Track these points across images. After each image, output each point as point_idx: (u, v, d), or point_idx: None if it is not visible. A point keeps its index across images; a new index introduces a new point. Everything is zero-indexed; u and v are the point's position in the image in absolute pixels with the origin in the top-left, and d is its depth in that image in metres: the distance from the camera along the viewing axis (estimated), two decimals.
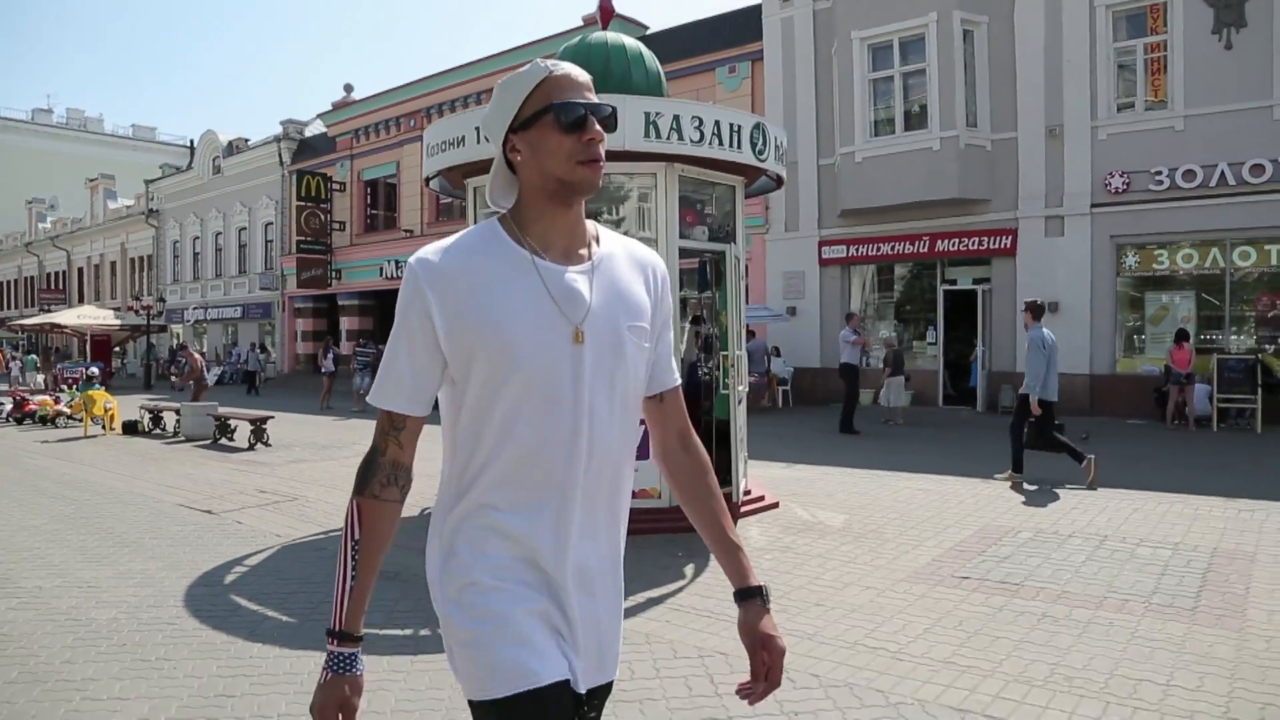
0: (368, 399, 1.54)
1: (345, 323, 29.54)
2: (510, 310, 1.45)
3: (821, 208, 18.61)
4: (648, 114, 6.55)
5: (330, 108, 30.70)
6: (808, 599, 5.11)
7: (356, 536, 1.47)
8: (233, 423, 13.54)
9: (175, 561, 6.36)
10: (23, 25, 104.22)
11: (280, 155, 32.41)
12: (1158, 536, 6.48)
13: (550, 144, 1.48)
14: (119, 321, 31.78)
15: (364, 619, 1.52)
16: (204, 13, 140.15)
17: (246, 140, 35.18)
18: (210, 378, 30.69)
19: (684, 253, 7.25)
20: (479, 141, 7.07)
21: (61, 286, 46.31)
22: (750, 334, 17.99)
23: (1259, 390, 13.31)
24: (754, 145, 7.05)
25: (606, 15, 8.27)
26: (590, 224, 1.60)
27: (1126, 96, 15.76)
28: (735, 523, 6.73)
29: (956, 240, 16.92)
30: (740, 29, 19.95)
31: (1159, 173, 15.03)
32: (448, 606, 1.49)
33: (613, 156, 6.31)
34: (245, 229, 34.63)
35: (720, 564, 1.63)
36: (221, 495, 9.08)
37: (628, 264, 1.60)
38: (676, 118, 6.63)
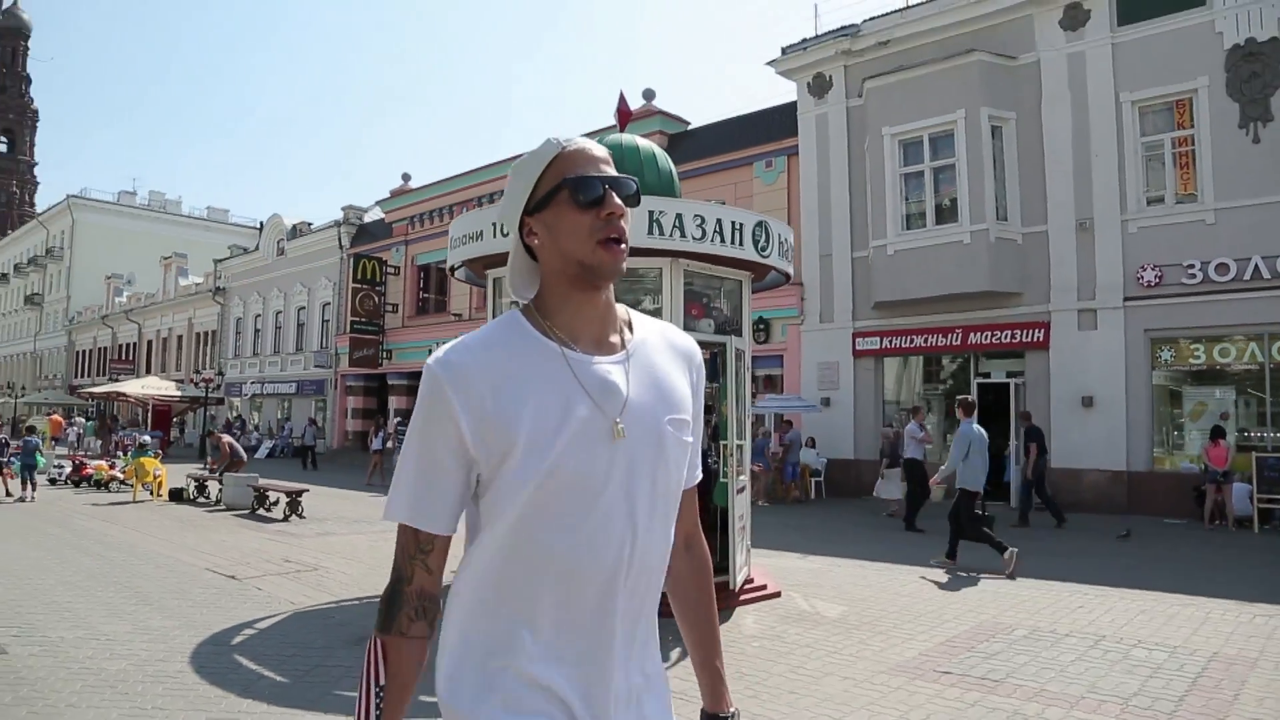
0: (386, 515, 1.37)
1: (394, 402, 30.25)
2: (542, 408, 1.32)
3: (855, 299, 18.83)
4: (651, 212, 6.91)
5: (388, 195, 32.02)
6: (782, 687, 5.20)
7: (381, 681, 1.31)
8: (271, 494, 14.00)
9: (191, 621, 6.69)
10: (110, 111, 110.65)
11: (340, 239, 33.75)
12: (1158, 639, 6.42)
13: (567, 223, 1.37)
14: (179, 393, 32.96)
15: None
16: (284, 102, 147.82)
17: (310, 224, 36.73)
18: (262, 451, 31.67)
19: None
20: (495, 235, 7.51)
21: (131, 358, 48.22)
22: (788, 424, 18.14)
23: None
24: (756, 242, 7.37)
25: (624, 118, 8.74)
26: (621, 308, 1.48)
27: (1156, 190, 15.87)
28: (733, 611, 6.88)
29: (989, 333, 16.96)
30: (776, 125, 20.57)
31: (1191, 266, 15.02)
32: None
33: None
34: (304, 308, 35.90)
35: (698, 678, 1.56)
36: (248, 562, 9.43)
37: (665, 351, 1.48)
38: (679, 216, 7.00)
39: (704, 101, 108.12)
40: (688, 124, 23.25)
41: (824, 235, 19.38)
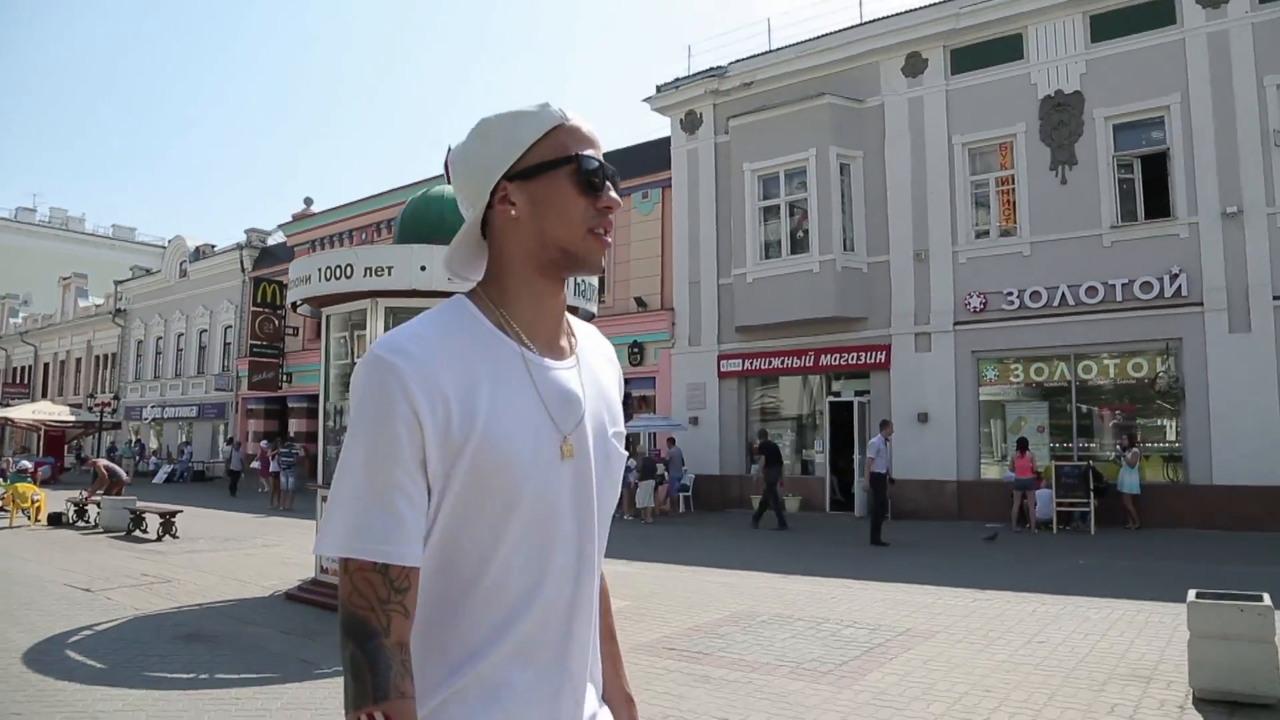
0: (328, 549, 1.10)
1: (294, 425, 30.61)
2: (508, 420, 1.15)
3: (721, 324, 20.11)
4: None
5: (290, 219, 32.46)
6: None
7: None
8: (147, 516, 14.56)
9: (34, 627, 7.42)
10: (10, 124, 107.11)
11: (242, 262, 34.01)
12: (872, 620, 7.60)
13: (561, 201, 1.21)
14: (73, 418, 32.73)
15: None
16: (191, 117, 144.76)
17: (213, 246, 36.84)
18: (160, 476, 31.66)
19: None
20: (321, 279, 8.46)
21: (26, 381, 47.25)
22: (670, 441, 19.29)
23: (1090, 495, 14.59)
24: None
25: (450, 169, 9.72)
26: None
27: (983, 224, 17.52)
28: None
29: (838, 355, 18.39)
30: (653, 158, 21.83)
31: (1010, 293, 16.64)
32: None
33: (424, 295, 7.69)
34: (206, 330, 35.96)
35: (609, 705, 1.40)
36: (107, 577, 10.11)
37: (600, 356, 1.35)
38: None
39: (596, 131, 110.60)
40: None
41: (693, 263, 20.65)
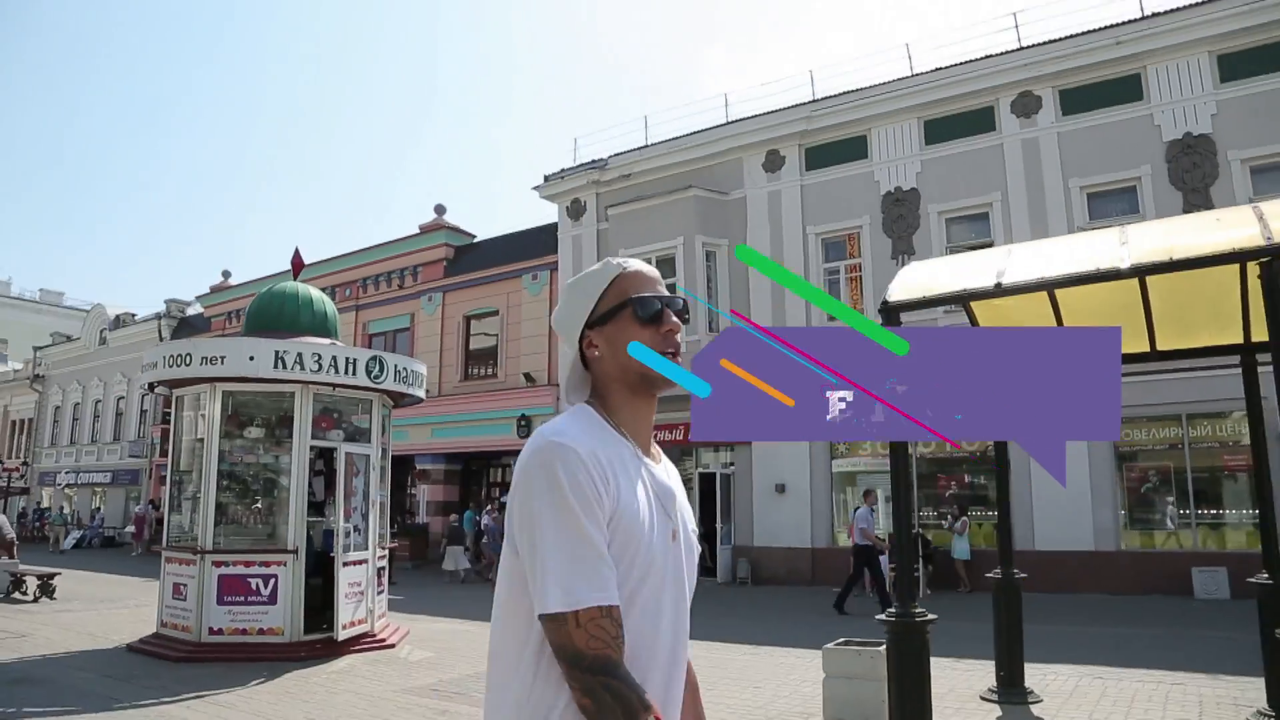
0: (555, 605, 1.29)
1: None
2: (639, 504, 1.40)
3: None
4: (277, 351, 9.14)
5: (208, 290, 33.31)
6: (316, 698, 7.29)
7: None
8: (25, 578, 15.20)
9: None
10: None
11: (160, 332, 34.65)
12: None
13: (629, 338, 1.46)
14: None
15: None
16: (120, 184, 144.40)
17: (134, 315, 37.45)
18: (68, 541, 31.78)
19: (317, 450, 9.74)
20: (168, 366, 9.58)
21: None
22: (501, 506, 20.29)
23: (921, 560, 15.94)
24: (369, 372, 9.66)
25: (297, 269, 10.99)
26: None
27: None
28: (338, 657, 8.87)
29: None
30: (542, 243, 23.31)
31: None
32: None
33: (252, 380, 8.83)
34: (124, 398, 36.34)
35: None
36: None
37: (672, 466, 1.61)
38: (300, 354, 9.23)
39: (493, 216, 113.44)
40: (473, 237, 25.80)
41: None
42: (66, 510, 37.04)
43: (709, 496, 19.68)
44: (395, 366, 10.06)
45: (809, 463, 18.55)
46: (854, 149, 19.29)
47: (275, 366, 9.11)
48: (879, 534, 16.74)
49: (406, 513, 25.95)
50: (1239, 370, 13.76)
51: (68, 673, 8.38)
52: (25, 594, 15.02)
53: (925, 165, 18.47)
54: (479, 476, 27.30)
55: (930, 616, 5.11)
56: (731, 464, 19.64)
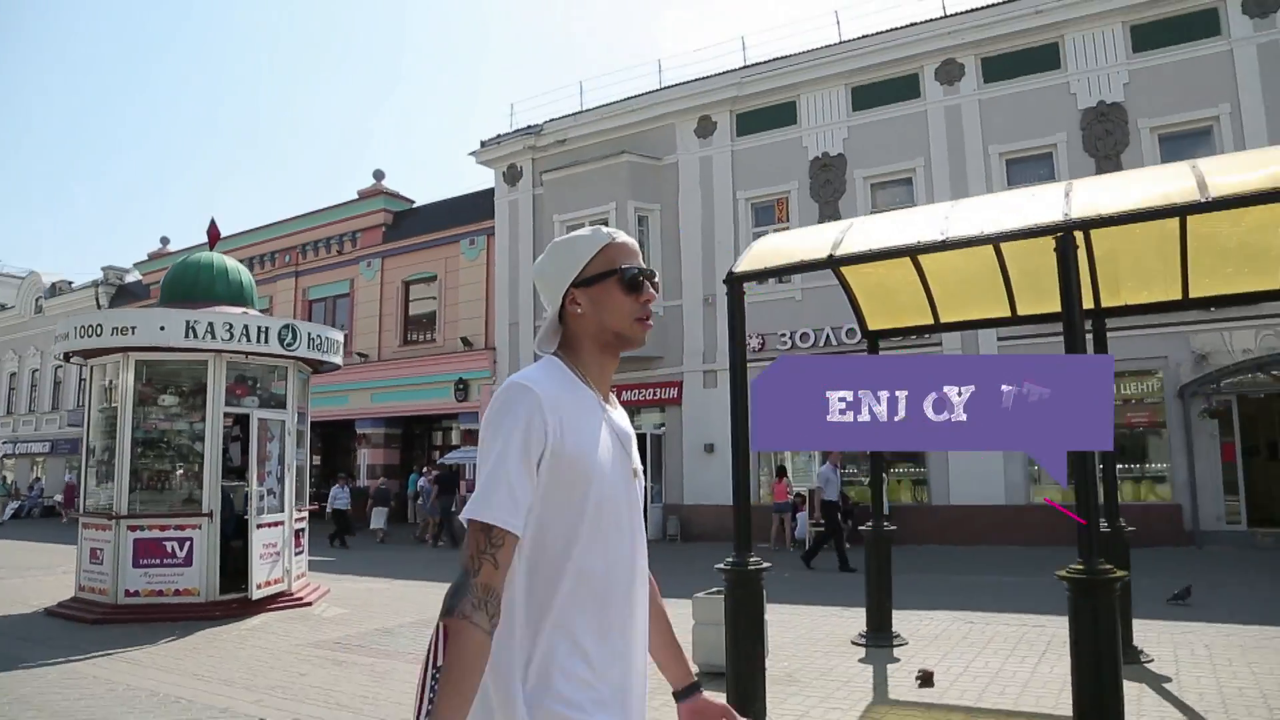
0: (465, 513, 1.49)
1: None
2: (599, 443, 1.58)
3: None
4: (188, 321, 9.28)
5: (146, 257, 32.86)
6: (227, 652, 7.57)
7: (439, 663, 1.40)
8: None
9: None
10: None
11: (98, 299, 34.17)
12: None
13: (613, 302, 1.65)
14: None
15: None
16: (60, 148, 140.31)
17: (70, 283, 36.83)
18: (7, 512, 31.50)
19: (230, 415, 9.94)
20: (77, 337, 9.68)
21: None
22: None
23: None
24: (282, 340, 9.83)
25: (213, 239, 11.07)
26: None
27: None
28: (252, 616, 9.14)
29: (638, 391, 20.11)
30: (479, 208, 23.39)
31: (784, 334, 18.61)
32: None
33: (164, 350, 8.96)
34: (61, 367, 35.82)
35: (667, 668, 1.84)
36: None
37: (625, 414, 1.77)
38: (211, 324, 9.38)
39: (431, 181, 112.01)
40: (412, 202, 25.77)
41: (513, 306, 22.19)
42: (8, 480, 36.60)
43: (640, 456, 20.06)
44: (309, 334, 10.24)
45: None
46: (784, 115, 19.57)
47: (187, 336, 9.26)
48: (793, 494, 17.26)
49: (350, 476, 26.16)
50: (1150, 331, 14.33)
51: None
52: None
53: (852, 131, 18.82)
54: (421, 440, 27.52)
55: (765, 565, 5.51)
56: (663, 425, 20.06)
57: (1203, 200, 4.35)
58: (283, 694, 6.19)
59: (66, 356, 10.65)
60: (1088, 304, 7.24)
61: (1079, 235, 5.54)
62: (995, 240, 4.86)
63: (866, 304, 7.72)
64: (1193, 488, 15.20)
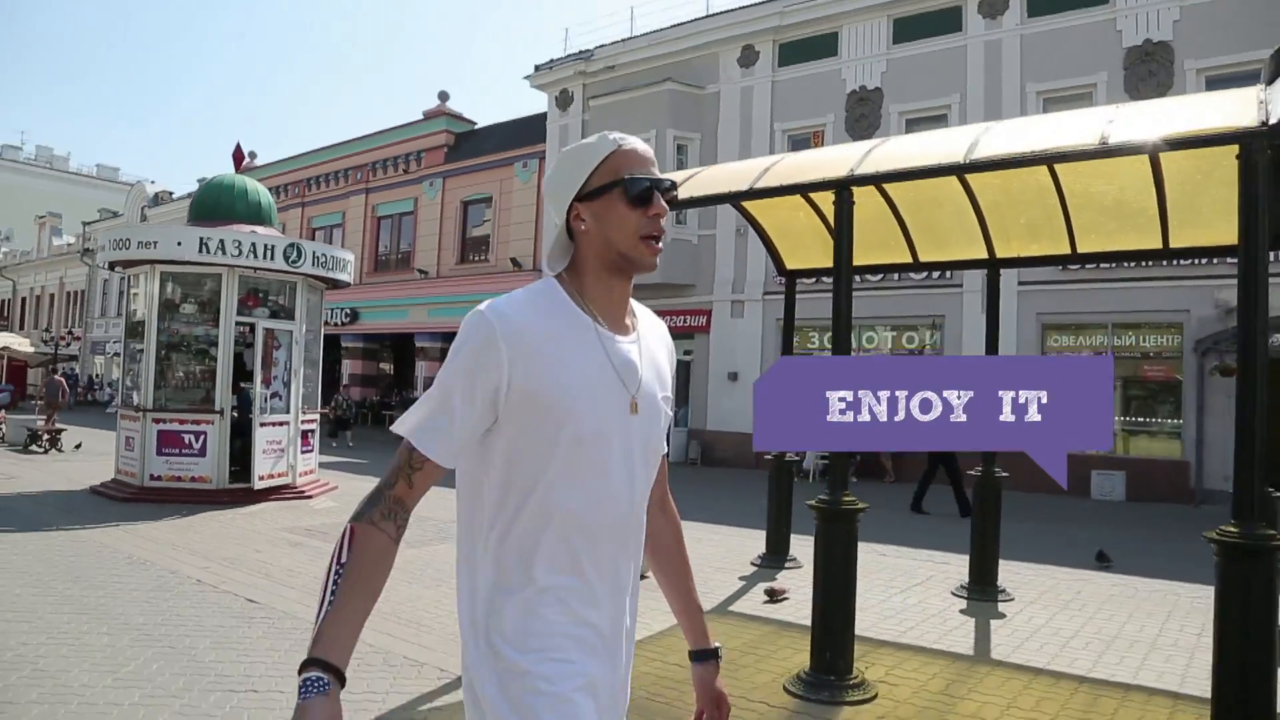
0: (394, 425, 1.48)
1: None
2: (579, 375, 1.45)
3: None
4: (201, 238, 10.38)
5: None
6: (221, 534, 8.80)
7: (342, 560, 1.38)
8: (41, 433, 17.20)
9: None
10: (10, 64, 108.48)
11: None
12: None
13: (616, 216, 1.49)
14: (32, 349, 35.45)
15: (349, 653, 1.33)
16: (175, 67, 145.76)
17: (171, 193, 39.20)
18: (113, 405, 34.40)
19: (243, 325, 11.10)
20: (111, 249, 10.91)
21: (6, 314, 50.04)
22: None
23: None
24: (288, 257, 10.86)
25: (238, 163, 12.13)
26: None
27: None
28: (258, 504, 10.39)
29: (667, 318, 20.69)
30: (533, 131, 24.05)
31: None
32: (506, 678, 1.44)
33: (182, 263, 10.14)
34: None
35: (680, 620, 1.79)
36: None
37: (656, 338, 1.65)
38: (222, 241, 10.46)
39: (495, 103, 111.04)
40: (473, 124, 26.60)
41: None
42: (116, 376, 39.79)
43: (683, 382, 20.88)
44: (314, 253, 11.25)
45: (760, 354, 19.54)
46: (824, 46, 19.51)
47: (200, 251, 10.38)
48: None
49: (409, 386, 27.80)
50: (1176, 284, 14.18)
51: (30, 506, 10.04)
52: (40, 447, 17.02)
53: (891, 65, 18.68)
54: None
55: (861, 505, 4.81)
56: (690, 352, 20.72)
57: (963, 163, 4.72)
58: (229, 564, 7.30)
59: (112, 266, 11.94)
60: (981, 254, 7.66)
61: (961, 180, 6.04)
62: (908, 177, 5.13)
63: (782, 242, 8.21)
64: (1199, 445, 15.10)
